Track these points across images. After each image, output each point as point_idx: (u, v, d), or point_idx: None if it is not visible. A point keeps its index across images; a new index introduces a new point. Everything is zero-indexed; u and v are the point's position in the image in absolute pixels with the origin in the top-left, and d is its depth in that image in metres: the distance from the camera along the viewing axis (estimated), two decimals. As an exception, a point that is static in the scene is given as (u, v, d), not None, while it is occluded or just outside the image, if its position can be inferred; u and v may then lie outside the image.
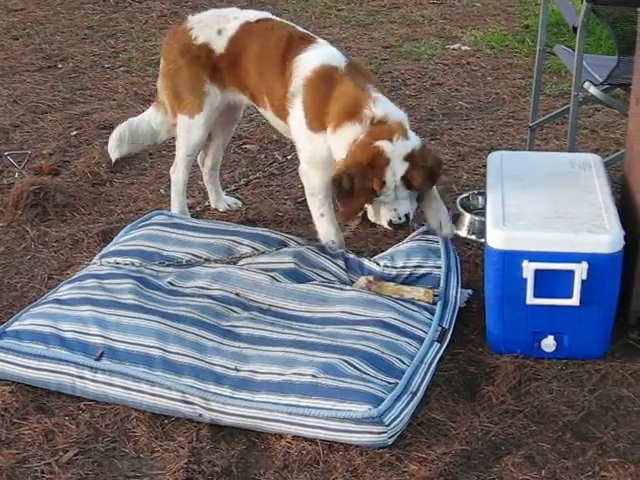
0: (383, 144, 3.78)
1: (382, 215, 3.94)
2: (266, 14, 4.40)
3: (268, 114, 4.32)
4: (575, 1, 5.19)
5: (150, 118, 4.62)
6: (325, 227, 4.20)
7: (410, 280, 3.95)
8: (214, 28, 4.31)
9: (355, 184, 3.81)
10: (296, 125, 4.09)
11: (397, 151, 3.79)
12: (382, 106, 3.87)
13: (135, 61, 6.83)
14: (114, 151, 4.69)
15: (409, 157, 3.82)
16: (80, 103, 6.16)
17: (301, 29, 4.30)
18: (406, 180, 3.84)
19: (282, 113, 4.17)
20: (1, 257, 4.47)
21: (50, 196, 4.82)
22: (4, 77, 6.57)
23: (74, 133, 5.70)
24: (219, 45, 4.28)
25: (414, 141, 3.87)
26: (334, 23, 7.58)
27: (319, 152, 4.03)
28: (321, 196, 4.13)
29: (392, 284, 3.91)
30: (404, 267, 3.97)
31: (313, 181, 4.14)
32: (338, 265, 4.05)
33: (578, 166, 4.06)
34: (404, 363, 3.48)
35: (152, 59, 6.77)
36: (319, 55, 4.07)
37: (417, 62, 6.75)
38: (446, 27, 7.46)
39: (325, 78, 3.98)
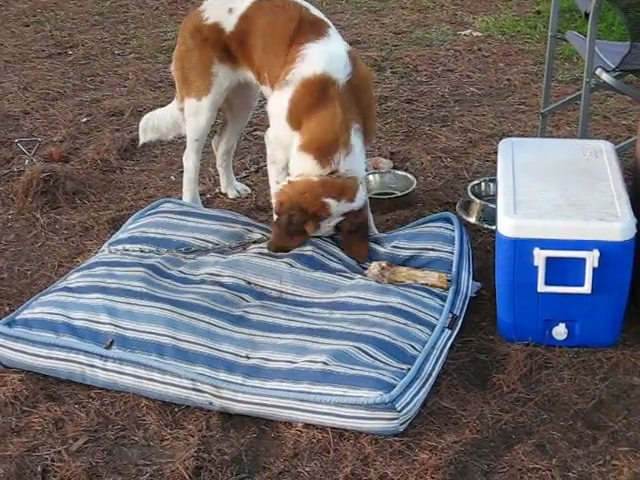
0: (330, 202, 3.95)
1: None
2: None
3: (267, 91, 4.30)
4: (587, -14, 5.16)
5: (172, 109, 4.63)
6: None
7: (420, 263, 3.95)
8: (225, 7, 4.30)
9: (293, 223, 3.97)
10: (274, 107, 4.12)
11: (340, 210, 3.98)
12: (349, 162, 3.97)
13: (145, 48, 6.82)
14: (141, 136, 4.75)
15: (345, 214, 4.02)
16: (90, 90, 6.15)
17: (314, 11, 4.24)
18: (335, 227, 4.07)
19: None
20: (11, 244, 4.47)
21: (60, 183, 4.82)
22: (15, 64, 6.57)
23: (84, 120, 5.70)
24: (229, 23, 4.27)
25: (358, 202, 4.02)
26: (345, 9, 7.56)
27: (288, 138, 4.08)
28: (281, 166, 4.24)
29: (405, 269, 3.90)
30: (413, 249, 4.00)
31: (277, 153, 4.24)
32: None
33: (590, 153, 4.04)
34: (416, 349, 3.48)
35: (162, 46, 6.77)
36: (325, 57, 4.03)
37: (428, 48, 6.72)
38: (457, 13, 7.43)
39: (321, 89, 3.98)
